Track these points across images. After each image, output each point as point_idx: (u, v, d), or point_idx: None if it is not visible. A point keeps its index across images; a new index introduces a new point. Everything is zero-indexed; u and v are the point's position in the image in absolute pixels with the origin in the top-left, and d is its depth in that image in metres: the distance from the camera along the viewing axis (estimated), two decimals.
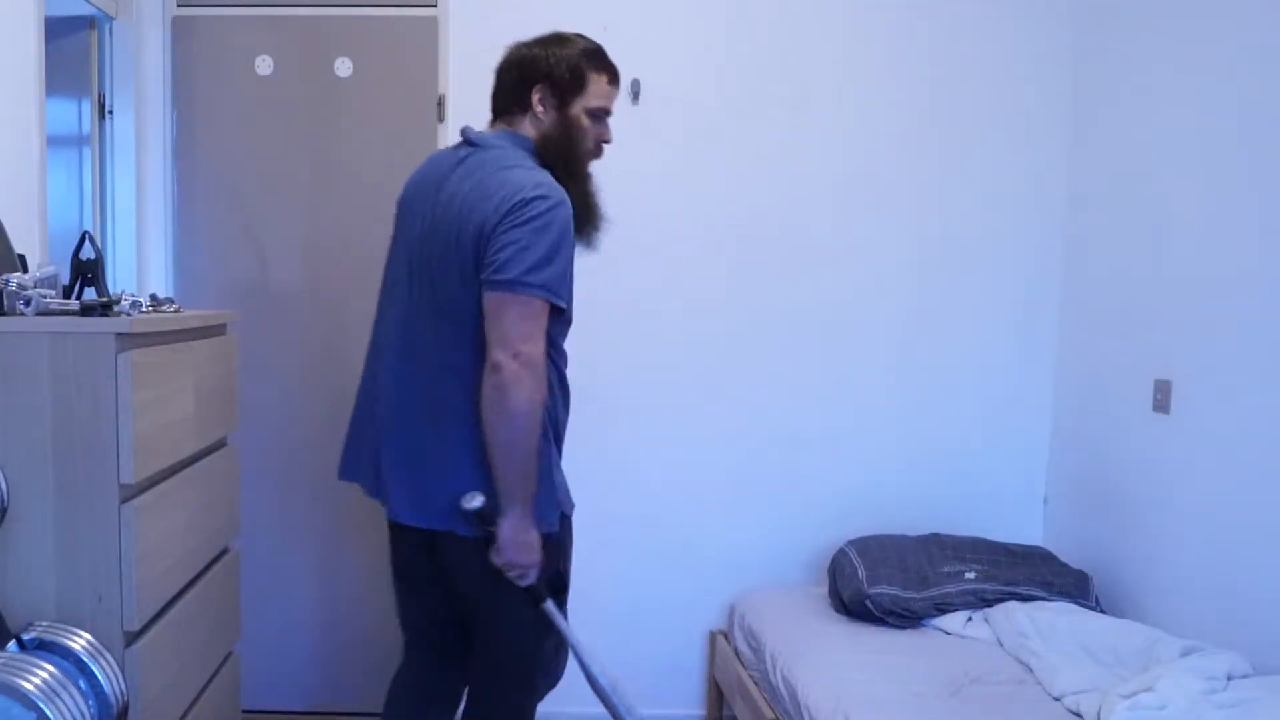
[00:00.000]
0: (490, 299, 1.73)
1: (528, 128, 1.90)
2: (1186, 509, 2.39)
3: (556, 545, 1.89)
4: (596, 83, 1.90)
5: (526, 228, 1.71)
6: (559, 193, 1.78)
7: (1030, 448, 3.05)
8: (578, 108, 1.89)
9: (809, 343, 3.00)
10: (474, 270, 1.75)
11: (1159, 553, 2.49)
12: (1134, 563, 2.59)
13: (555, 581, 1.88)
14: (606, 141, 1.96)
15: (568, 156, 1.88)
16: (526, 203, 1.72)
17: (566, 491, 1.93)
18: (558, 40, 1.95)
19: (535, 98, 1.89)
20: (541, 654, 1.95)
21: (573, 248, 1.81)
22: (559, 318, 1.82)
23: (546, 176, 1.81)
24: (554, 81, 1.89)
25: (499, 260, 1.71)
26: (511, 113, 1.93)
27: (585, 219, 1.90)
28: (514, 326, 1.70)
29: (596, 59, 1.93)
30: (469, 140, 1.92)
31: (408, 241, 1.90)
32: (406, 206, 1.96)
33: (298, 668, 3.03)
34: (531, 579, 1.80)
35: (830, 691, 2.16)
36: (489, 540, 1.76)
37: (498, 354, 1.70)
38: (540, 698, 2.02)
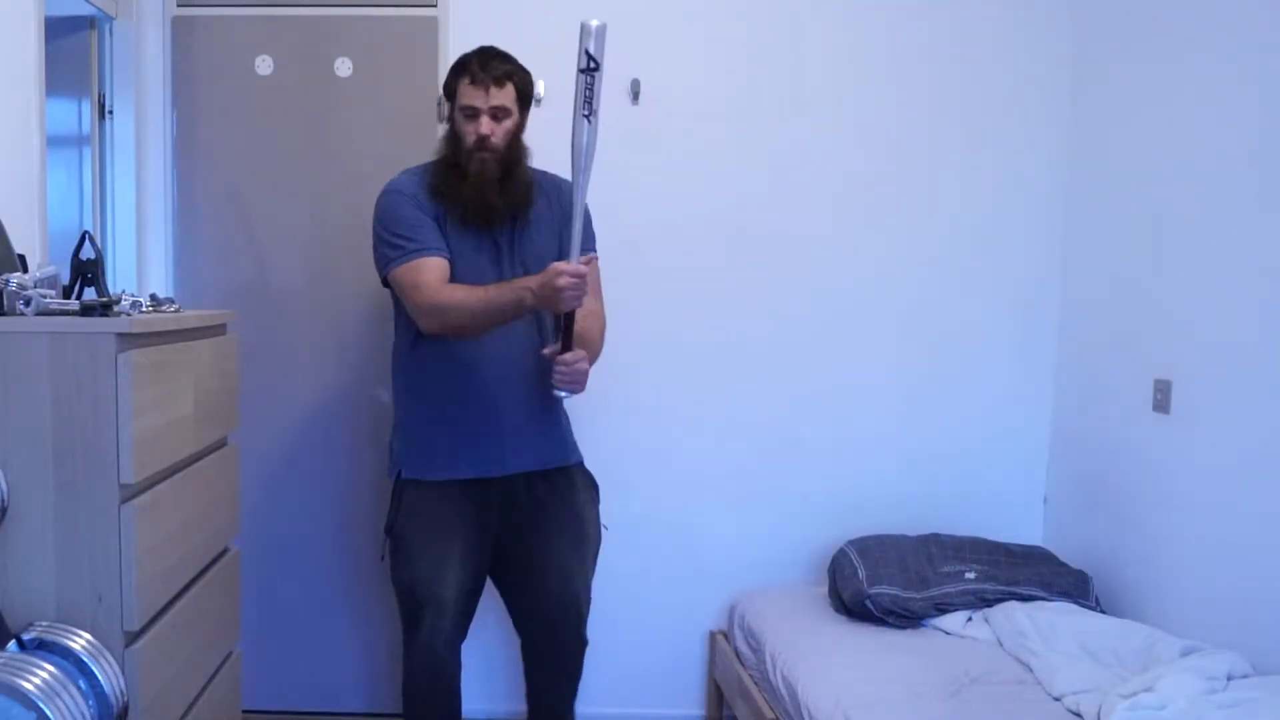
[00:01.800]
0: None
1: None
2: (1186, 509, 2.39)
3: (392, 495, 2.29)
4: (461, 85, 2.21)
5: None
6: (392, 183, 2.28)
7: (1030, 448, 3.04)
8: (455, 112, 2.24)
9: (808, 342, 3.00)
10: None
11: (1159, 553, 2.49)
12: (1134, 563, 2.59)
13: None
14: (483, 134, 2.19)
15: (453, 148, 2.23)
16: None
17: (415, 458, 2.25)
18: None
19: (445, 112, 2.32)
20: None
21: (405, 215, 2.20)
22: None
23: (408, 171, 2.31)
24: (446, 96, 2.29)
25: None
26: None
27: (444, 196, 2.22)
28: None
29: (457, 68, 2.24)
30: None
31: None
32: None
33: (298, 668, 3.03)
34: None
35: (830, 691, 2.16)
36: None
37: None
38: None
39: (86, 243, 1.84)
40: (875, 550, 2.68)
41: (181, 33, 2.92)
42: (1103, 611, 2.56)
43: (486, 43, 2.91)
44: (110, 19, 2.81)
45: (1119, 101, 2.73)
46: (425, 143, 2.92)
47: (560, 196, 2.32)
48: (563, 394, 2.16)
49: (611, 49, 3.04)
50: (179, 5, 2.91)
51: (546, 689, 2.38)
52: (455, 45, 2.91)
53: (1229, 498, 2.26)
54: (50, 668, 1.47)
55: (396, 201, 2.23)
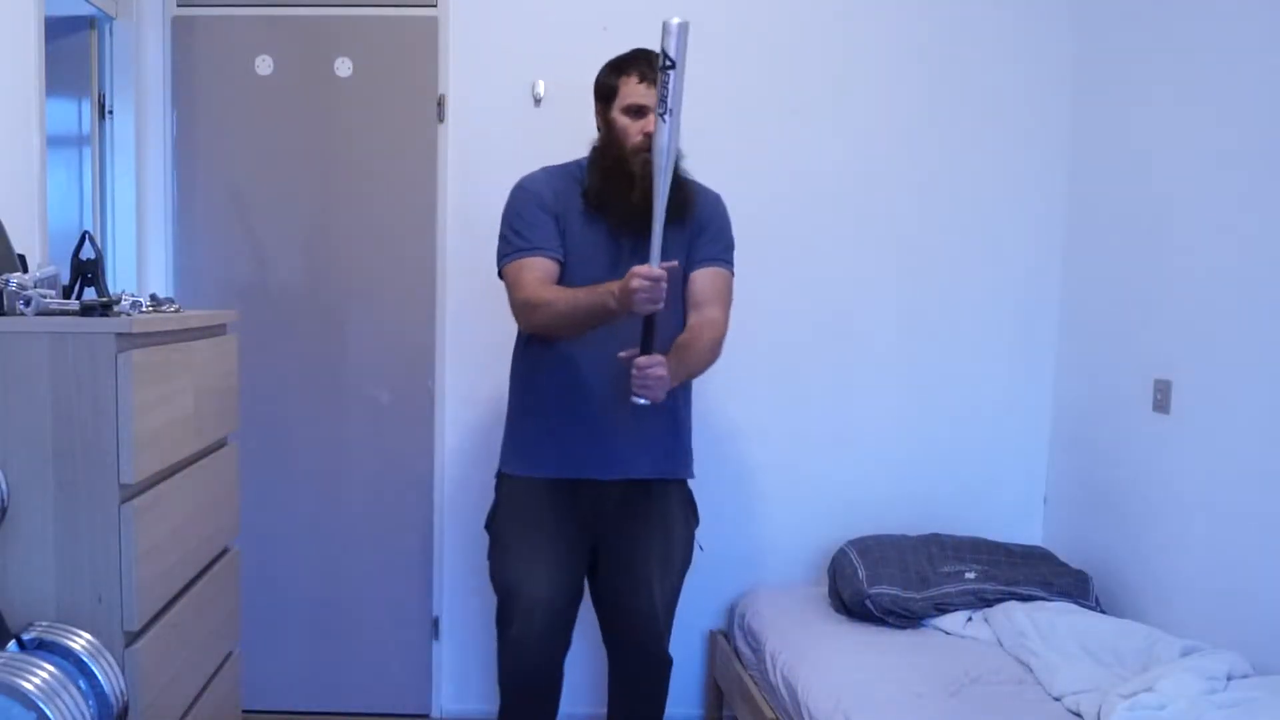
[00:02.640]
0: None
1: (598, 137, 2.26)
2: (1186, 509, 2.39)
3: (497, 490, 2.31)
4: (625, 84, 2.16)
5: None
6: (524, 179, 2.25)
7: (1030, 448, 3.05)
8: (615, 111, 2.18)
9: (808, 342, 3.00)
10: None
11: (1159, 553, 2.49)
12: (1134, 563, 2.59)
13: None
14: (649, 131, 2.09)
15: (615, 149, 2.17)
16: None
17: (518, 455, 2.25)
18: (607, 63, 2.25)
19: (596, 113, 2.25)
20: None
21: (525, 211, 2.18)
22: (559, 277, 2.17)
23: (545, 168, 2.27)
24: (599, 97, 2.23)
25: None
26: None
27: (607, 199, 2.15)
28: None
29: (621, 66, 2.19)
30: None
31: None
32: None
33: (298, 668, 3.03)
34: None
35: (830, 691, 2.16)
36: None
37: None
38: None
39: (86, 243, 1.84)
40: (875, 550, 2.68)
41: (181, 33, 2.92)
42: (1103, 611, 2.56)
43: (486, 43, 2.93)
44: (110, 19, 2.81)
45: (1119, 101, 2.73)
46: (425, 143, 2.94)
47: (703, 205, 2.27)
48: (641, 401, 2.02)
49: (611, 49, 3.05)
50: (179, 5, 2.91)
51: (625, 708, 2.34)
52: (455, 45, 2.92)
53: (1229, 498, 2.26)
54: (50, 668, 1.47)
55: (520, 198, 2.21)
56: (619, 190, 2.12)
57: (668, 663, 2.31)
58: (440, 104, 2.93)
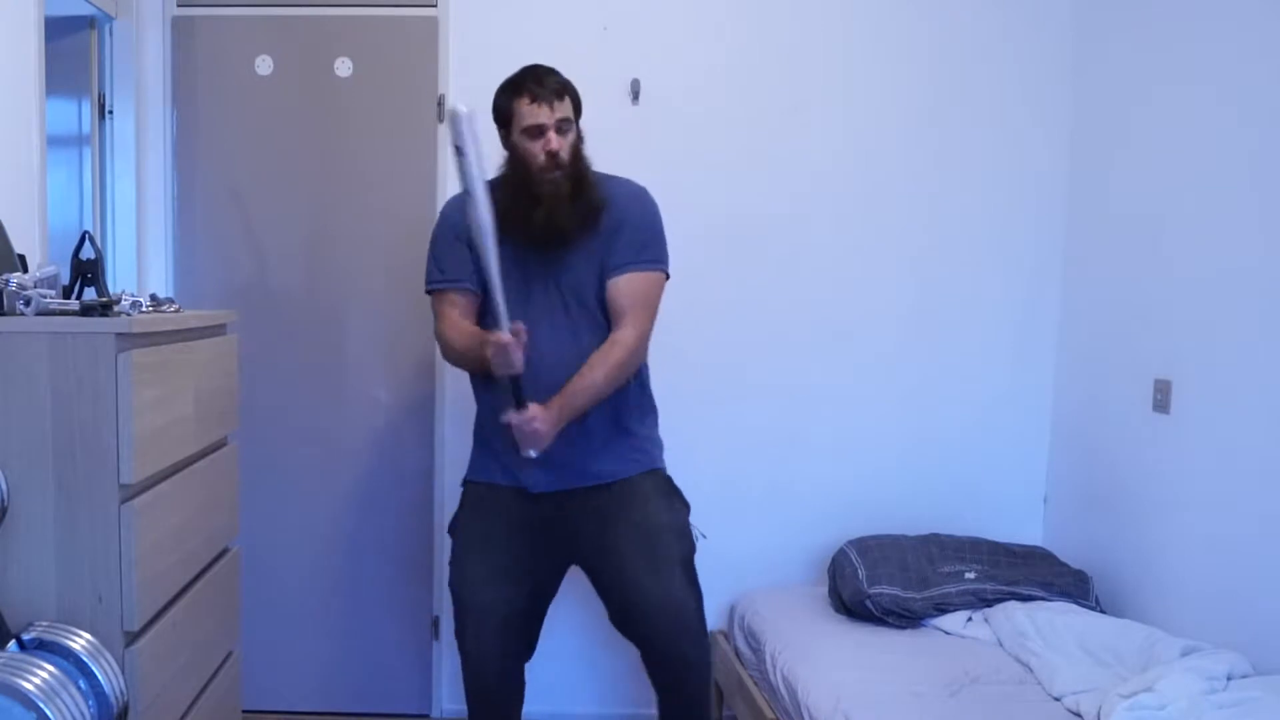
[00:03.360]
0: None
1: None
2: (1186, 509, 2.39)
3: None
4: (518, 105, 2.15)
5: None
6: (446, 203, 2.34)
7: (1030, 448, 3.04)
8: (515, 135, 2.17)
9: (808, 342, 3.00)
10: None
11: (1159, 553, 2.49)
12: (1134, 563, 2.59)
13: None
14: (552, 150, 2.13)
15: (520, 173, 2.16)
16: None
17: (473, 457, 2.31)
18: (501, 85, 2.24)
19: (501, 137, 2.22)
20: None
21: (441, 241, 2.25)
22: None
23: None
24: (498, 122, 2.21)
25: None
26: None
27: (511, 225, 2.09)
28: None
29: (513, 89, 2.17)
30: None
31: None
32: None
33: (298, 668, 3.03)
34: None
35: (830, 691, 2.16)
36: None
37: None
38: None
39: (86, 243, 1.84)
40: (875, 550, 2.68)
41: (181, 33, 2.92)
42: (1103, 611, 2.55)
43: (486, 43, 2.92)
44: (110, 19, 2.81)
45: (1119, 102, 2.73)
46: (425, 143, 2.93)
47: (618, 207, 2.22)
48: (531, 453, 2.07)
49: (611, 49, 3.05)
50: (179, 5, 2.91)
51: (668, 715, 2.26)
52: (455, 45, 2.92)
53: (1229, 498, 2.26)
54: (50, 668, 1.47)
55: (439, 226, 2.29)
56: (526, 211, 2.11)
57: (693, 664, 2.18)
58: (440, 104, 2.93)
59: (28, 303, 1.61)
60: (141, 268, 2.92)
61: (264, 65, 2.93)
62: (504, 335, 1.95)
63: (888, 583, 2.58)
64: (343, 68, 2.93)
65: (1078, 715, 2.03)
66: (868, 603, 2.55)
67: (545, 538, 2.23)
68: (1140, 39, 2.64)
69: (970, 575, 2.63)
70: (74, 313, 1.64)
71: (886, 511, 2.97)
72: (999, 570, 2.65)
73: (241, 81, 2.93)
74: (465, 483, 2.32)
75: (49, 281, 1.74)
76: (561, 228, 2.13)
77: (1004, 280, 3.00)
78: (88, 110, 2.80)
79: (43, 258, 2.26)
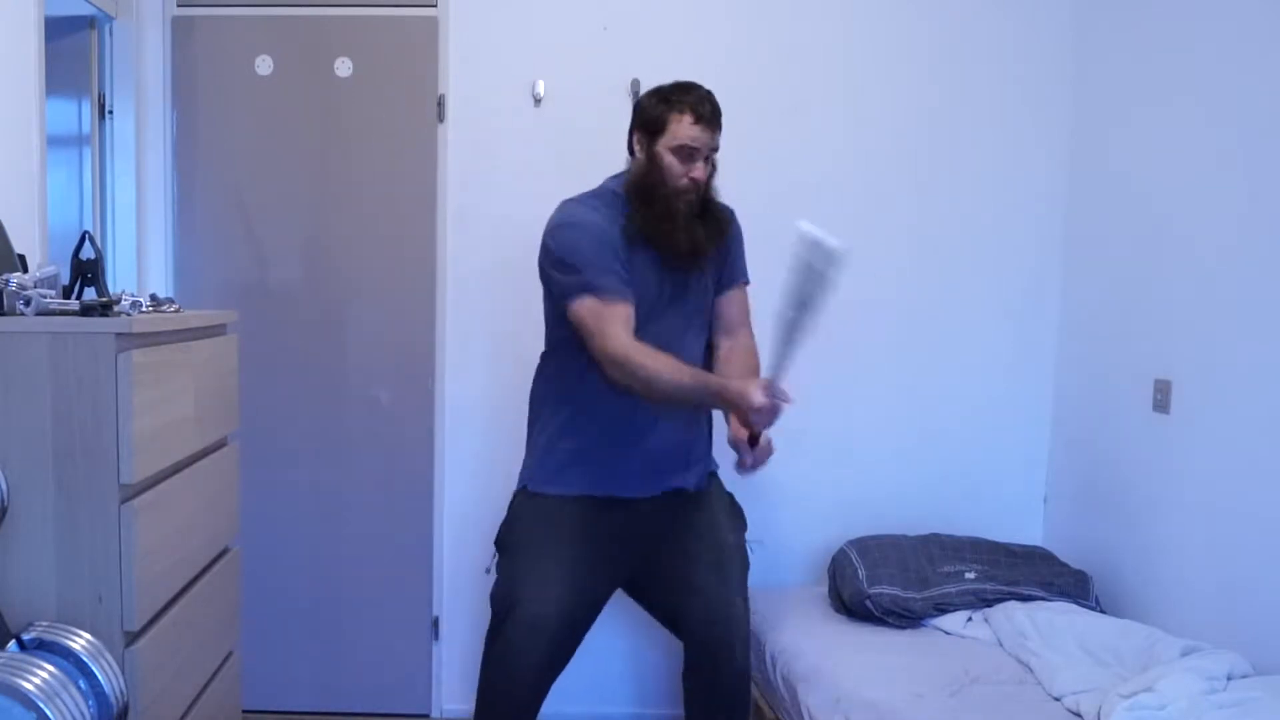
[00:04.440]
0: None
1: (632, 164, 2.19)
2: (1186, 509, 2.39)
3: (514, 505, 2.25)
4: (678, 122, 2.08)
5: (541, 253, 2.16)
6: (560, 214, 2.15)
7: (1030, 448, 3.04)
8: (661, 147, 2.10)
9: (808, 342, 3.00)
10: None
11: (1159, 553, 2.49)
12: (1134, 563, 2.59)
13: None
14: (697, 178, 2.11)
15: (654, 187, 2.11)
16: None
17: (548, 473, 2.20)
18: (654, 90, 2.17)
19: (634, 140, 2.17)
20: None
21: (597, 247, 2.08)
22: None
23: (568, 203, 2.18)
24: (642, 126, 2.14)
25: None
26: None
27: (654, 241, 2.11)
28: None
29: (677, 104, 2.10)
30: None
31: None
32: None
33: (298, 668, 3.03)
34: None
35: (830, 691, 2.16)
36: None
37: None
38: None
39: (86, 243, 1.84)
40: (875, 550, 2.68)
41: (181, 33, 2.92)
42: (1103, 611, 2.56)
43: (486, 42, 2.93)
44: (110, 19, 2.81)
45: (1119, 102, 2.73)
46: (425, 143, 2.93)
47: (731, 226, 2.27)
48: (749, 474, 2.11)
49: (611, 49, 3.05)
50: (179, 5, 2.91)
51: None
52: (455, 45, 2.92)
53: (1229, 498, 2.25)
54: (50, 668, 1.47)
55: (582, 233, 2.10)
56: (664, 228, 2.09)
57: (746, 678, 2.18)
58: (440, 104, 2.93)
59: (28, 303, 1.61)
60: (141, 268, 2.92)
61: (264, 65, 2.93)
62: (787, 395, 1.95)
63: (888, 583, 2.58)
64: (343, 68, 2.93)
65: (1078, 715, 2.03)
66: (868, 603, 2.55)
67: (618, 548, 2.18)
68: (1140, 40, 2.64)
69: (970, 575, 2.63)
70: (74, 313, 1.64)
71: (886, 511, 2.97)
72: (999, 570, 2.65)
73: (241, 81, 2.93)
74: (529, 494, 2.22)
75: (49, 281, 1.74)
76: (702, 250, 2.14)
77: (1004, 280, 3.00)
78: (88, 110, 2.80)
79: (43, 258, 2.26)
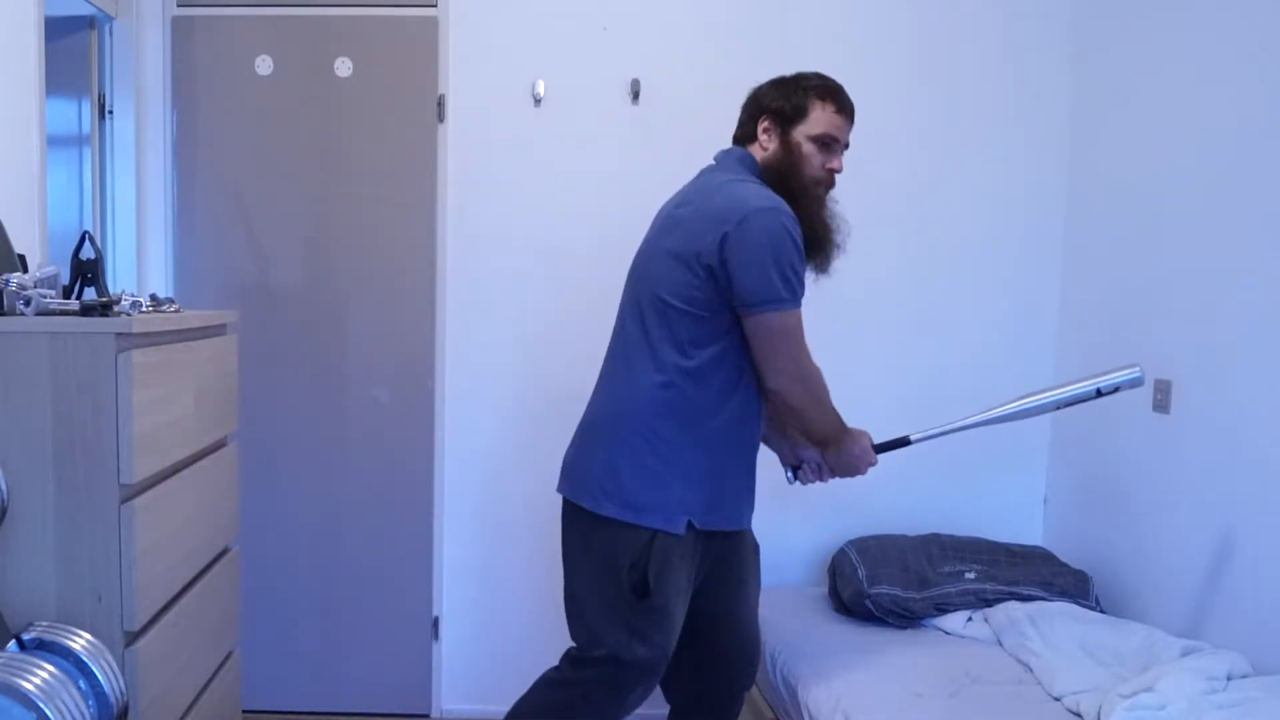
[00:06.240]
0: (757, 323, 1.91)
1: (756, 153, 2.05)
2: (1186, 509, 2.39)
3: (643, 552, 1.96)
4: (822, 110, 1.99)
5: (754, 245, 1.87)
6: (777, 206, 1.90)
7: (1030, 448, 3.05)
8: (799, 134, 1.99)
9: (807, 341, 2.99)
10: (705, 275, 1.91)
11: (1159, 553, 2.49)
12: (1134, 563, 2.59)
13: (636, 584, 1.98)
14: (836, 170, 2.02)
15: (788, 177, 1.98)
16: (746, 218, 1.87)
17: (712, 507, 2.01)
18: (784, 79, 2.07)
19: (761, 128, 2.04)
20: None
21: (792, 255, 1.90)
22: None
23: (763, 189, 1.95)
24: (775, 111, 2.02)
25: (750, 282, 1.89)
26: (745, 145, 2.08)
27: (814, 243, 1.99)
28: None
29: (821, 91, 2.02)
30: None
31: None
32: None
33: (298, 668, 3.03)
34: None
35: (830, 691, 2.16)
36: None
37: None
38: None
39: (86, 243, 1.84)
40: (875, 550, 2.68)
41: (181, 33, 2.92)
42: (1103, 611, 2.56)
43: (486, 42, 2.93)
44: (110, 19, 2.81)
45: (1119, 101, 2.73)
46: (425, 143, 2.93)
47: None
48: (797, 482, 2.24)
49: (611, 49, 3.05)
50: (179, 5, 2.91)
51: None
52: (455, 45, 2.93)
53: (1229, 498, 2.26)
54: (50, 668, 1.47)
55: (793, 230, 1.89)
56: (829, 234, 2.02)
57: (747, 693, 2.24)
58: (440, 104, 2.93)
59: (28, 303, 1.61)
60: (141, 268, 2.93)
61: (264, 65, 2.93)
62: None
63: (888, 583, 2.58)
64: (343, 68, 2.93)
65: (1078, 715, 2.02)
66: (868, 603, 2.55)
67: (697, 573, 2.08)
68: (1139, 39, 2.64)
69: (970, 575, 2.63)
70: (74, 313, 1.64)
71: (886, 511, 2.97)
72: (999, 570, 2.65)
73: (241, 81, 2.93)
74: (680, 531, 1.96)
75: (49, 281, 1.75)
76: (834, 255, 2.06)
77: (1004, 279, 3.00)
78: (88, 110, 2.80)
79: (43, 258, 2.26)
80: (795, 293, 1.89)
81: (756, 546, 2.23)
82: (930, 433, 2.14)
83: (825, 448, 2.11)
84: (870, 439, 2.10)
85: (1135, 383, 2.07)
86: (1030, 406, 2.09)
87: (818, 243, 1.99)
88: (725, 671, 2.16)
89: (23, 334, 1.56)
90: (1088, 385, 2.08)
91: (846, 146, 2.06)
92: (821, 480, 2.18)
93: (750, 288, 1.86)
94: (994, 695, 2.13)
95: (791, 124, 2.00)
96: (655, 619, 1.94)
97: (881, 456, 2.09)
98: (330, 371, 3.00)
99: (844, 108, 2.02)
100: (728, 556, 2.11)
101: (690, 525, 1.96)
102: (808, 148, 1.99)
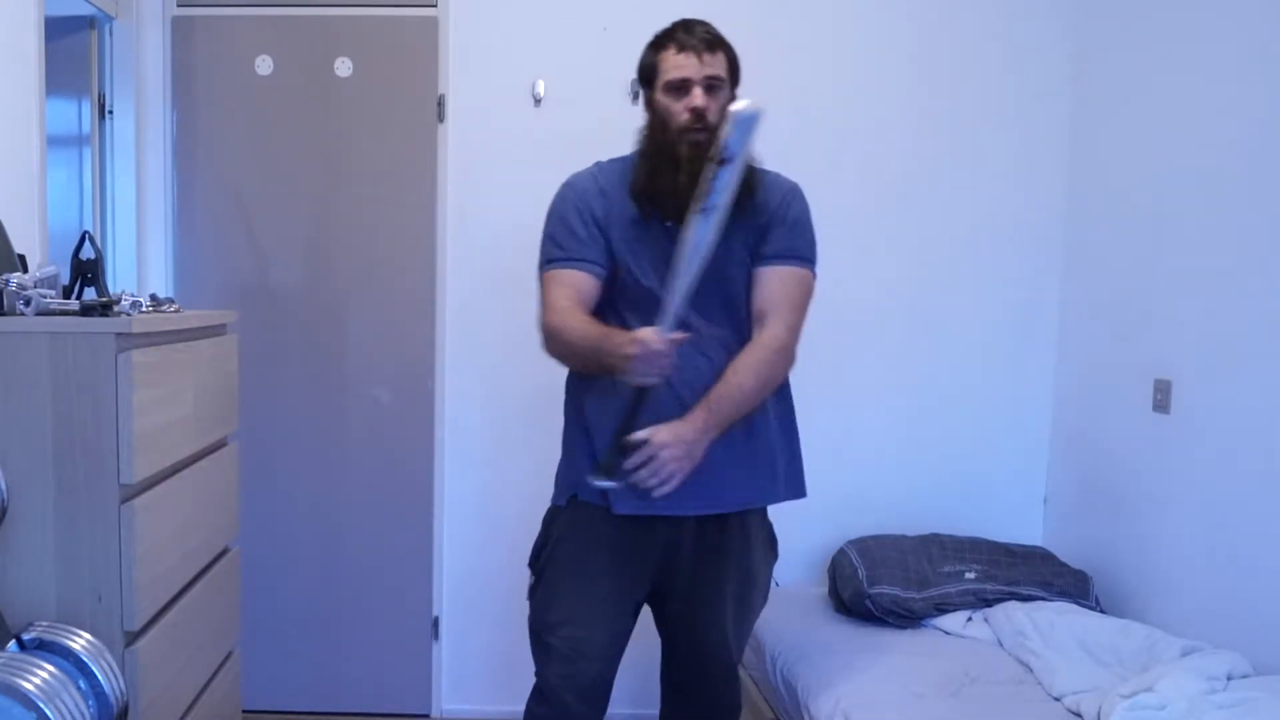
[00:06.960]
0: None
1: None
2: (1186, 509, 2.39)
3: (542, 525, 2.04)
4: (664, 58, 1.91)
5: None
6: (571, 176, 2.00)
7: (1030, 447, 3.04)
8: (657, 92, 1.93)
9: (808, 342, 2.98)
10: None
11: (1159, 553, 2.49)
12: (1134, 563, 2.59)
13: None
14: (697, 107, 1.87)
15: (659, 138, 1.92)
16: None
17: (566, 480, 1.99)
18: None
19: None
20: None
21: (564, 216, 1.94)
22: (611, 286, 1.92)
23: (603, 162, 2.03)
24: (641, 83, 1.99)
25: None
26: None
27: (646, 191, 1.90)
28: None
29: (658, 42, 1.96)
30: None
31: None
32: None
33: (298, 668, 3.03)
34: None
35: (830, 691, 2.16)
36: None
37: None
38: None
39: (86, 243, 1.84)
40: (875, 550, 2.68)
41: (181, 33, 2.92)
42: (1103, 611, 2.55)
43: (486, 42, 2.93)
44: (110, 19, 2.81)
45: (1119, 101, 2.73)
46: (425, 142, 2.94)
47: (771, 194, 2.00)
48: (662, 489, 1.76)
49: (611, 49, 3.04)
50: (179, 5, 2.91)
51: None
52: (455, 45, 2.92)
53: (1229, 498, 2.25)
54: (50, 668, 1.47)
55: (563, 199, 1.95)
56: (667, 179, 1.84)
57: (738, 709, 2.07)
58: (440, 104, 2.93)
59: (28, 303, 1.61)
60: (141, 268, 2.93)
61: (264, 65, 2.93)
62: (656, 335, 1.66)
63: (888, 583, 2.57)
64: (343, 68, 2.93)
65: (1078, 715, 2.03)
66: (868, 603, 2.55)
67: (642, 572, 1.96)
68: (1139, 39, 2.64)
69: (970, 575, 2.63)
70: (74, 313, 1.64)
71: (886, 511, 2.97)
72: (999, 570, 2.65)
73: (241, 81, 2.93)
74: (556, 509, 1.99)
75: (49, 281, 1.74)
76: (684, 194, 1.78)
77: (1004, 280, 3.00)
78: (88, 110, 2.80)
79: (43, 258, 2.26)
80: (550, 255, 1.92)
81: (759, 567, 2.01)
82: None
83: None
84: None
85: (750, 120, 1.66)
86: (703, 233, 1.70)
87: (693, 189, 1.72)
88: (684, 673, 2.02)
89: (23, 334, 1.56)
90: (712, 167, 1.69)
91: (718, 81, 1.90)
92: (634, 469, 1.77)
93: None
94: (994, 695, 2.13)
95: (652, 86, 1.94)
96: (537, 592, 2.01)
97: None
98: (330, 371, 3.00)
99: (684, 45, 1.89)
100: (689, 548, 1.93)
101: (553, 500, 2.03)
102: (664, 100, 1.90)
